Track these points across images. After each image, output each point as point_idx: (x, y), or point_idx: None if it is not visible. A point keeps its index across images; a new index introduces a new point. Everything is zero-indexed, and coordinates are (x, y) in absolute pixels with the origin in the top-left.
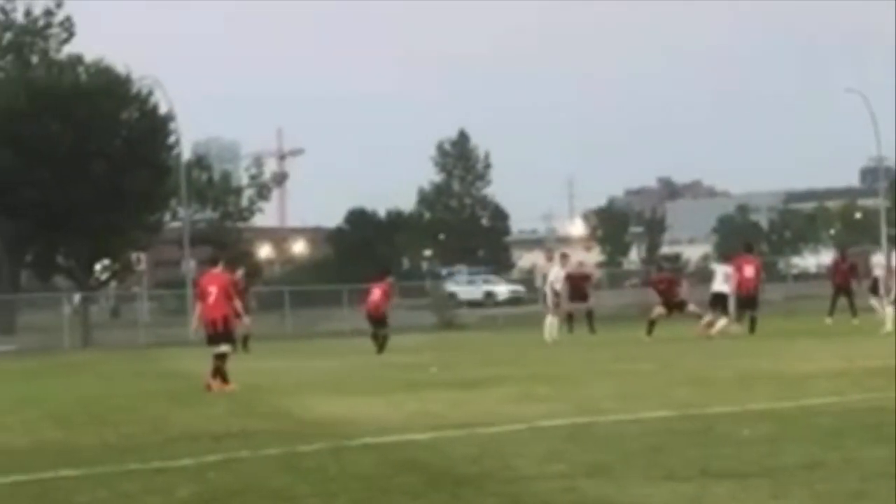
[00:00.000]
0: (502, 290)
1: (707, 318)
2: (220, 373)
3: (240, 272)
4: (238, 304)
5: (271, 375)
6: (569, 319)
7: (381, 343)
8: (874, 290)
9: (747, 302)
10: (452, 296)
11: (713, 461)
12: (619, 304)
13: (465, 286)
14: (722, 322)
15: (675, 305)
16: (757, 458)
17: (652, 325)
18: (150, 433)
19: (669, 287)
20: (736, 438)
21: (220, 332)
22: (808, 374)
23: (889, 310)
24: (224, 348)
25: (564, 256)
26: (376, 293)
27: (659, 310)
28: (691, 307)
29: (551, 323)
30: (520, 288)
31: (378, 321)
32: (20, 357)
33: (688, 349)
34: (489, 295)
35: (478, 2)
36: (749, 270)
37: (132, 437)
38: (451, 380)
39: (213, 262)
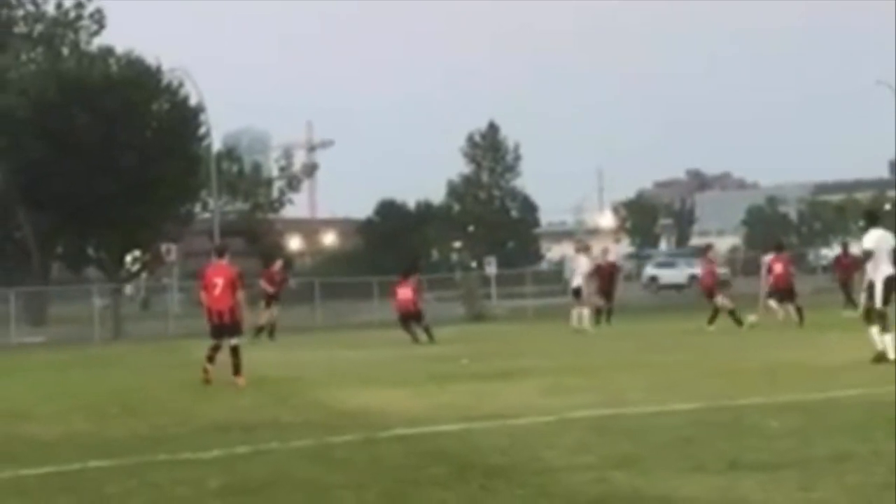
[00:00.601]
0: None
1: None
2: (239, 366)
3: (279, 263)
4: (242, 296)
5: (301, 367)
6: (598, 312)
7: (428, 334)
8: None
9: (785, 294)
10: (654, 279)
11: (742, 453)
12: (648, 296)
13: (666, 269)
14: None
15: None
16: (786, 450)
17: (716, 314)
18: (180, 424)
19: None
20: (765, 430)
21: (226, 324)
22: (836, 365)
23: None
24: (235, 341)
25: (587, 248)
26: (406, 292)
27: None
28: (720, 299)
29: (580, 314)
30: (724, 270)
31: (415, 317)
32: (51, 349)
33: (716, 341)
34: (693, 278)
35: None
36: (779, 268)
37: (162, 428)
38: (481, 371)
39: (220, 254)
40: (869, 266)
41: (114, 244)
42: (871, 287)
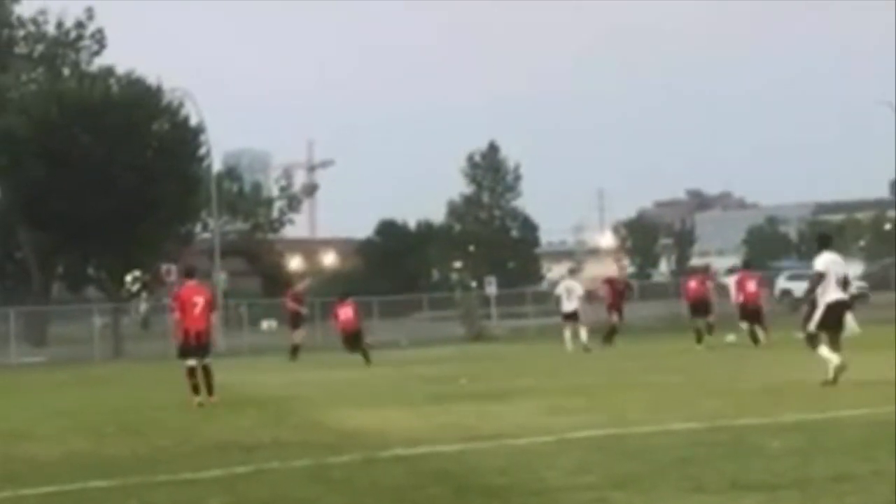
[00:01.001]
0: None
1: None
2: (211, 386)
3: (306, 282)
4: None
5: (301, 386)
6: (612, 332)
7: (366, 356)
8: None
9: (751, 314)
10: (787, 293)
11: (743, 473)
12: (649, 316)
13: (799, 282)
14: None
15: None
16: (786, 470)
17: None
18: (180, 444)
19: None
20: (765, 450)
21: (203, 345)
22: (838, 385)
23: None
24: (208, 360)
25: (573, 272)
26: (348, 312)
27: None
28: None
29: (575, 332)
30: (863, 284)
31: (356, 337)
32: (51, 368)
33: (716, 360)
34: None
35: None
36: (751, 286)
37: (162, 447)
38: (480, 391)
39: (190, 275)
40: (819, 289)
41: (114, 264)
42: (812, 310)
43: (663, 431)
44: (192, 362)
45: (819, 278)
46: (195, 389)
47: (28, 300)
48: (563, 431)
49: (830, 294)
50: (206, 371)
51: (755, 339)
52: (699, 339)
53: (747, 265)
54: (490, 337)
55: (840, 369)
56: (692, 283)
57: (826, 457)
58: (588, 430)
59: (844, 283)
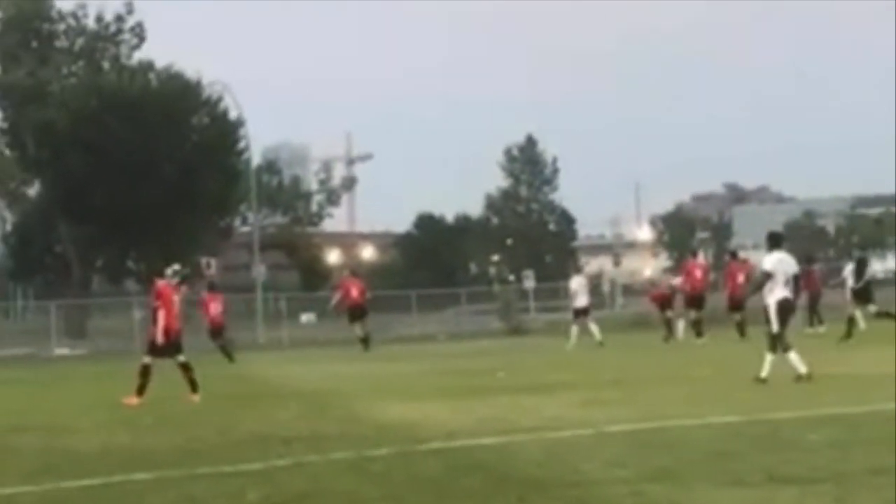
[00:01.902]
0: None
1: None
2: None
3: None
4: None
5: (340, 379)
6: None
7: (228, 353)
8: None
9: (732, 305)
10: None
11: (780, 466)
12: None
13: None
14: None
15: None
16: (823, 464)
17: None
18: (219, 436)
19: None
20: (802, 443)
21: (177, 343)
22: (874, 378)
23: None
24: (183, 358)
25: (579, 270)
26: (217, 307)
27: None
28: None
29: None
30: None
31: (220, 332)
32: (91, 361)
33: (753, 353)
34: None
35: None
36: (740, 277)
37: (201, 440)
38: (518, 385)
39: (161, 274)
40: (766, 289)
41: (153, 257)
42: (766, 311)
43: (700, 425)
44: (149, 360)
45: (765, 277)
46: (141, 390)
47: (68, 293)
48: (599, 424)
49: (778, 293)
50: (185, 367)
51: (742, 333)
52: (742, 333)
53: (734, 255)
54: (528, 330)
55: (806, 378)
56: (740, 275)
57: (863, 450)
58: (625, 423)
59: (795, 282)
